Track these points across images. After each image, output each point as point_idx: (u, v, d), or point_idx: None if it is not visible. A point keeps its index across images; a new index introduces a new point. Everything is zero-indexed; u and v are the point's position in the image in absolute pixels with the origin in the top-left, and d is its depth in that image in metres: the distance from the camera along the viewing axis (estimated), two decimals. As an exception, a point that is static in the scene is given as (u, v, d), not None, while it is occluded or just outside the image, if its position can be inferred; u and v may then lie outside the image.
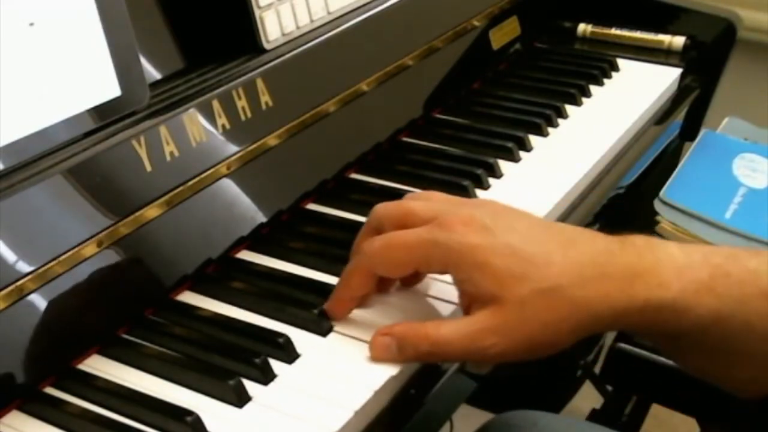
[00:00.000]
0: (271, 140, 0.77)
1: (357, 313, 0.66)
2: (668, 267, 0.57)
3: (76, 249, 0.62)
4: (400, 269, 0.62)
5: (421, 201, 0.64)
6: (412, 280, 0.66)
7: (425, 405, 0.62)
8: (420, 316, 0.64)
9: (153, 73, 0.75)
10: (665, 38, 1.12)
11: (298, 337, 0.63)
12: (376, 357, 0.61)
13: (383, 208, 0.64)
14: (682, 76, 1.07)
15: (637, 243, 0.59)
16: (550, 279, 0.57)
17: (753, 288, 0.57)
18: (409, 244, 0.60)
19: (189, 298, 0.68)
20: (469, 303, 0.59)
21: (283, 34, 0.81)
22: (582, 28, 1.17)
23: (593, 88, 1.03)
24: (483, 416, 0.62)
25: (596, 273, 0.57)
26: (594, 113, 0.99)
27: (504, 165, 0.86)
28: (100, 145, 0.65)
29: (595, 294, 0.57)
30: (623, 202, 1.14)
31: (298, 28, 0.82)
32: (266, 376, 0.60)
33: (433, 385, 0.63)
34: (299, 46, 0.82)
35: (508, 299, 0.57)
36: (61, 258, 0.61)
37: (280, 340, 0.62)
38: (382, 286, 0.66)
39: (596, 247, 0.59)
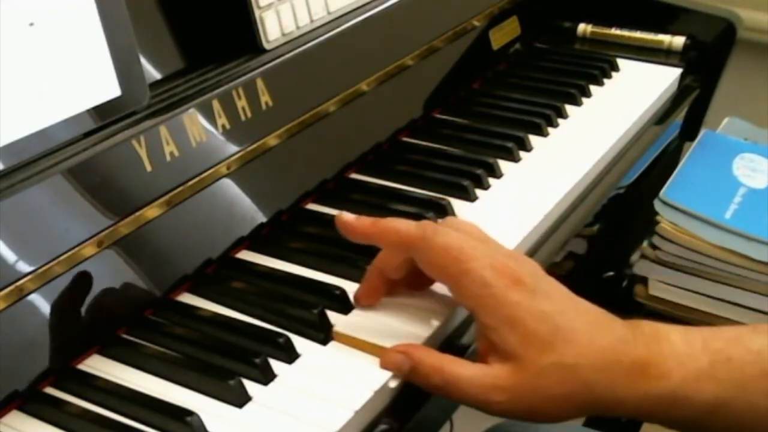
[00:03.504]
0: (271, 140, 0.77)
1: (357, 313, 0.66)
2: (670, 358, 0.58)
3: (76, 249, 0.62)
4: (434, 272, 0.62)
5: (464, 236, 0.62)
6: (419, 282, 0.66)
7: (425, 406, 0.62)
8: (421, 316, 0.64)
9: (153, 73, 0.75)
10: (665, 38, 1.12)
11: (298, 336, 0.63)
12: (385, 368, 0.61)
13: (430, 237, 0.61)
14: (682, 76, 1.07)
15: (645, 330, 0.59)
16: (573, 357, 0.57)
17: (755, 369, 0.57)
18: (466, 259, 0.59)
19: (189, 298, 0.68)
20: (486, 350, 0.59)
21: (283, 34, 0.81)
22: (582, 28, 1.17)
23: (593, 88, 1.03)
24: (483, 416, 0.62)
25: (611, 361, 0.58)
26: (594, 113, 0.99)
27: (504, 165, 0.86)
28: (100, 145, 0.65)
29: (605, 380, 0.57)
30: (623, 202, 1.14)
31: (298, 28, 0.82)
32: (266, 376, 0.60)
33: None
34: (299, 46, 0.82)
35: (528, 364, 0.57)
36: (61, 258, 0.61)
37: (280, 340, 0.62)
38: (390, 288, 0.66)
39: (615, 334, 0.59)
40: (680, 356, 0.58)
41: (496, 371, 0.58)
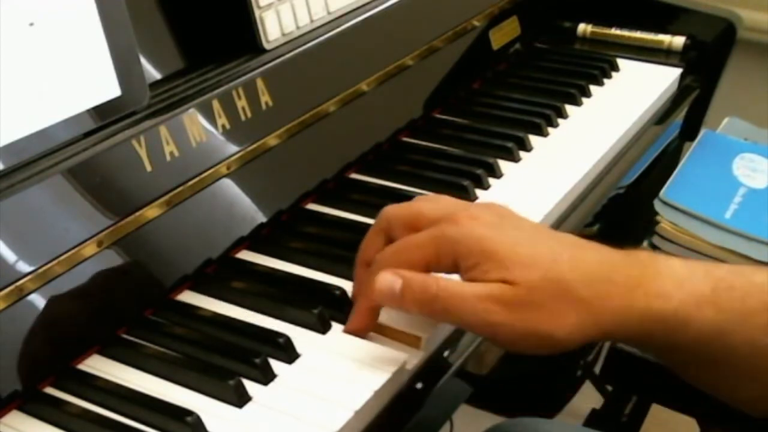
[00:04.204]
0: (271, 140, 0.77)
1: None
2: (669, 278, 0.57)
3: (76, 249, 0.62)
4: (414, 270, 0.62)
5: (429, 203, 0.64)
6: None
7: (424, 407, 0.62)
8: (421, 317, 0.64)
9: (153, 73, 0.75)
10: (665, 38, 1.12)
11: (298, 337, 0.63)
12: (377, 294, 0.60)
13: (392, 210, 0.64)
14: (682, 76, 1.07)
15: (641, 256, 0.59)
16: (557, 272, 0.57)
17: (757, 302, 0.56)
18: (420, 243, 0.60)
19: (189, 298, 0.68)
20: None
21: (283, 34, 0.81)
22: (582, 28, 1.17)
23: (593, 88, 1.03)
24: (483, 416, 0.62)
25: (601, 277, 0.57)
26: (594, 113, 0.99)
27: (504, 165, 0.86)
28: (100, 145, 0.65)
29: (598, 296, 0.57)
30: (623, 202, 1.14)
31: (298, 28, 0.82)
32: (266, 376, 0.60)
33: (436, 381, 0.63)
34: (299, 46, 0.82)
35: (518, 281, 0.57)
36: (61, 258, 0.61)
37: (280, 340, 0.62)
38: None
39: (601, 254, 0.59)
40: (680, 279, 0.57)
41: (489, 288, 0.57)
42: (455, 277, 0.60)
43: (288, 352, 0.62)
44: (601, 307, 0.57)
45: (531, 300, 0.57)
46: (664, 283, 0.57)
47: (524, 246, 0.58)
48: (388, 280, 0.59)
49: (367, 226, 0.75)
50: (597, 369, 1.21)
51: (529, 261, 0.57)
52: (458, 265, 0.59)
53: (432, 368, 0.64)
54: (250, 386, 0.59)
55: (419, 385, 0.62)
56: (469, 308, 0.57)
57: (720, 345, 0.57)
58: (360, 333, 0.64)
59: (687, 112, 1.14)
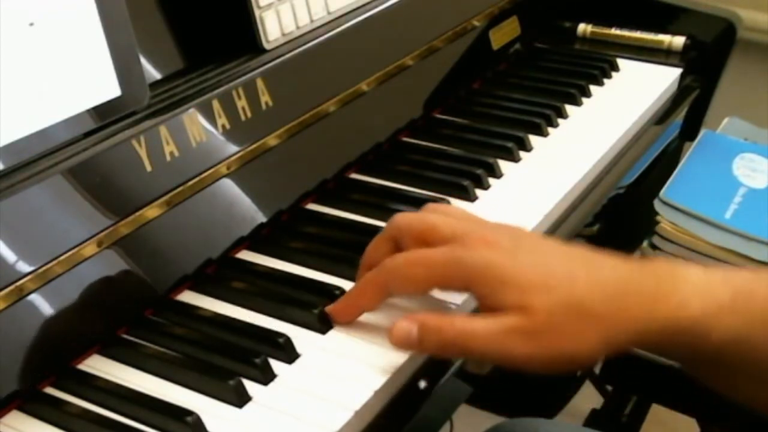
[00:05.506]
0: (271, 140, 0.77)
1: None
2: (688, 288, 0.57)
3: (76, 249, 0.62)
4: (418, 286, 0.62)
5: (442, 216, 0.64)
6: None
7: (424, 407, 0.62)
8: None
9: (153, 73, 0.75)
10: (665, 38, 1.12)
11: (298, 337, 0.63)
12: (396, 342, 0.60)
13: (404, 220, 0.64)
14: (682, 76, 1.07)
15: (657, 267, 0.59)
16: (575, 294, 0.57)
17: None
18: (431, 262, 0.60)
19: (189, 298, 0.68)
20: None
21: (283, 34, 0.81)
22: (582, 28, 1.17)
23: (593, 88, 1.03)
24: (484, 416, 0.62)
25: (618, 292, 0.57)
26: (594, 113, 0.99)
27: (504, 165, 0.86)
28: (100, 145, 0.65)
29: (616, 311, 0.57)
30: (623, 202, 1.14)
31: (298, 28, 0.82)
32: (266, 376, 0.60)
33: (436, 381, 0.63)
34: (299, 46, 0.82)
35: (536, 308, 0.57)
36: (61, 258, 0.61)
37: (280, 340, 0.62)
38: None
39: (617, 269, 0.59)
40: (699, 288, 0.57)
41: (507, 319, 0.57)
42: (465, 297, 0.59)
43: (288, 352, 0.62)
44: (621, 321, 0.57)
45: (551, 326, 0.57)
46: (684, 293, 0.57)
47: (539, 272, 0.58)
48: (404, 329, 0.59)
49: (368, 226, 0.76)
50: (597, 369, 1.22)
51: (545, 287, 0.57)
52: (471, 290, 0.59)
53: (432, 368, 0.64)
54: (250, 386, 0.59)
55: (419, 385, 0.62)
56: (489, 345, 0.57)
57: (742, 351, 0.57)
58: (337, 319, 0.64)
59: (687, 112, 1.14)
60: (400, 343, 0.60)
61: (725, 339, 0.56)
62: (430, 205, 0.68)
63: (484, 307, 0.59)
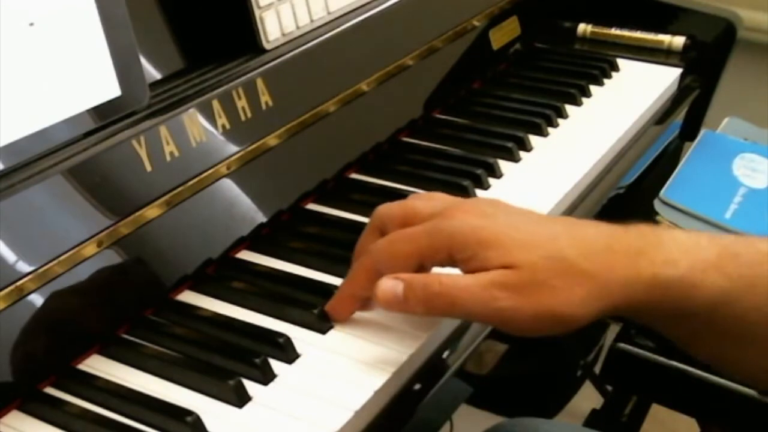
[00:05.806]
0: (271, 140, 0.77)
1: (357, 313, 0.66)
2: (673, 246, 0.57)
3: (76, 249, 0.62)
4: (405, 262, 0.61)
5: (422, 200, 0.65)
6: None
7: (424, 407, 0.62)
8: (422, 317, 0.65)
9: (153, 73, 0.75)
10: (665, 38, 1.12)
11: (298, 336, 0.63)
12: (380, 300, 0.60)
13: (386, 208, 0.64)
14: (682, 76, 1.07)
15: (641, 227, 0.60)
16: (559, 249, 0.57)
17: (764, 269, 0.56)
18: (414, 236, 0.60)
19: (189, 298, 0.68)
20: None
21: (283, 34, 0.81)
22: (582, 28, 1.17)
23: (593, 88, 1.03)
24: (484, 416, 0.62)
25: (602, 248, 0.57)
26: (594, 113, 0.99)
27: (504, 165, 0.86)
28: (100, 145, 0.65)
29: (602, 266, 0.57)
30: (623, 202, 1.14)
31: (298, 28, 0.82)
32: (266, 376, 0.60)
33: (435, 382, 0.63)
34: (299, 46, 0.82)
35: (520, 263, 0.57)
36: (61, 258, 0.61)
37: (280, 340, 0.62)
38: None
39: (599, 228, 0.59)
40: (685, 246, 0.57)
41: (492, 275, 0.57)
42: (453, 271, 0.60)
43: (288, 352, 0.62)
44: (607, 278, 0.57)
45: (535, 280, 0.56)
46: (669, 250, 0.57)
47: (520, 229, 0.58)
48: (389, 285, 0.59)
49: (367, 226, 0.76)
50: (597, 369, 1.22)
51: (527, 243, 0.57)
52: (454, 258, 0.59)
53: (432, 368, 0.64)
54: (250, 386, 0.59)
55: (419, 386, 0.62)
56: (475, 299, 0.57)
57: (727, 312, 0.56)
58: (335, 316, 0.64)
59: (687, 112, 1.14)
60: (385, 301, 0.59)
61: (711, 298, 0.56)
62: (413, 195, 0.68)
63: (468, 271, 0.59)
